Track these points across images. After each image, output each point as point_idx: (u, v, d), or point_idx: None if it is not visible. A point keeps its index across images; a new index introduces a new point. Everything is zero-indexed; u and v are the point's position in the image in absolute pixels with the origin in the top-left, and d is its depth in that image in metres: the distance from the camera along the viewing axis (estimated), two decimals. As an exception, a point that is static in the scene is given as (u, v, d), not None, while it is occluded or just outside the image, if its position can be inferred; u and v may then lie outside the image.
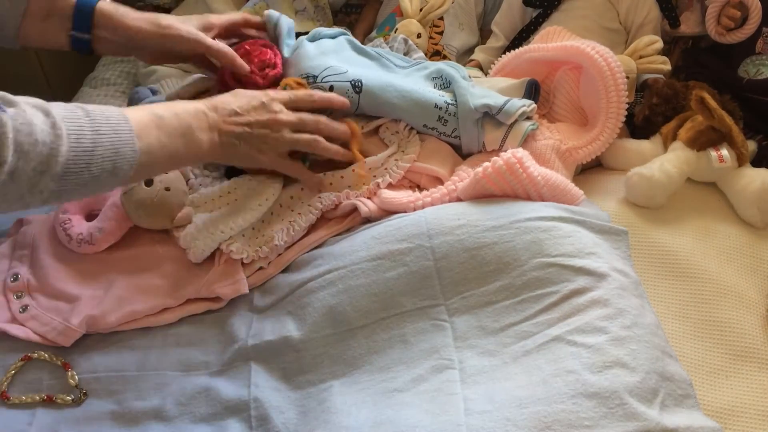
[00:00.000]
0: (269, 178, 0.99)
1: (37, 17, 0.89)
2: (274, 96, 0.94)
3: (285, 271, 0.95)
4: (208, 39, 0.99)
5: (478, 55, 1.33)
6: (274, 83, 1.04)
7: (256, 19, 1.10)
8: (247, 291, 0.92)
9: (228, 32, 1.06)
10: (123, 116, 0.76)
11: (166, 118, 0.81)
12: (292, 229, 0.96)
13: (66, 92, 1.49)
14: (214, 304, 0.92)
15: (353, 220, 0.98)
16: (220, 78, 1.06)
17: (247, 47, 1.07)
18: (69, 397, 0.85)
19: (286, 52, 1.10)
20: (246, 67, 1.01)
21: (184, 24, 0.98)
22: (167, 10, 1.50)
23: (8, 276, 0.94)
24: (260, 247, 0.94)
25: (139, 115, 0.79)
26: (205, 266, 0.95)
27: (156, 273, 0.95)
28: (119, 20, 0.93)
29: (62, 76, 1.68)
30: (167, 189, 0.95)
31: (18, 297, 0.92)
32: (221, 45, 1.00)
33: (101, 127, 0.73)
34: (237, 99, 0.91)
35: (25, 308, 0.91)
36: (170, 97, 1.15)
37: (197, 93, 1.17)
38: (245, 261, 0.93)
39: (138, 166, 0.77)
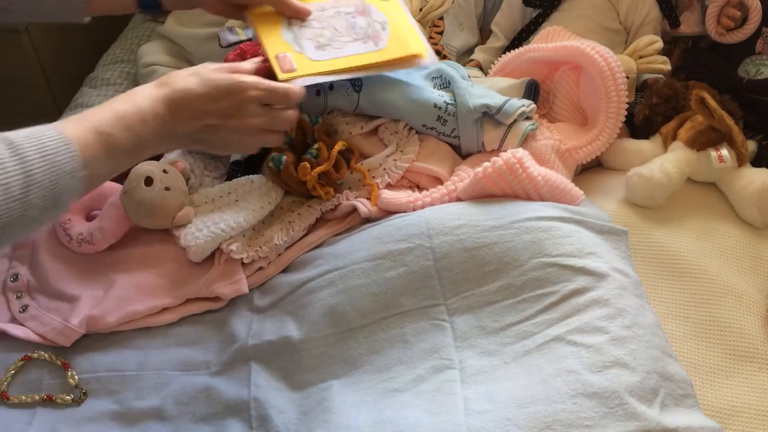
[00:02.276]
0: (272, 182, 0.99)
1: None
2: (248, 96, 0.86)
3: (285, 271, 0.95)
4: None
5: (478, 55, 1.33)
6: (265, 75, 1.06)
7: None
8: (247, 291, 0.92)
9: None
10: (63, 140, 0.68)
11: (116, 135, 0.73)
12: (292, 229, 0.96)
13: (66, 92, 1.49)
14: (214, 304, 0.92)
15: (353, 220, 0.98)
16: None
17: (242, 47, 1.09)
18: (69, 397, 0.85)
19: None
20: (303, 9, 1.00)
21: None
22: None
23: (8, 276, 0.94)
24: (260, 247, 0.94)
25: (83, 135, 0.71)
26: (205, 266, 0.95)
27: (156, 273, 0.94)
28: None
29: (62, 76, 1.69)
30: (167, 189, 0.95)
31: (18, 297, 0.92)
32: None
33: (33, 164, 0.64)
34: (205, 95, 0.83)
35: (25, 308, 0.91)
36: None
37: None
38: (245, 261, 0.93)
39: (82, 192, 0.71)
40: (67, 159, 0.68)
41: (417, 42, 1.03)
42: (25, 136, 0.66)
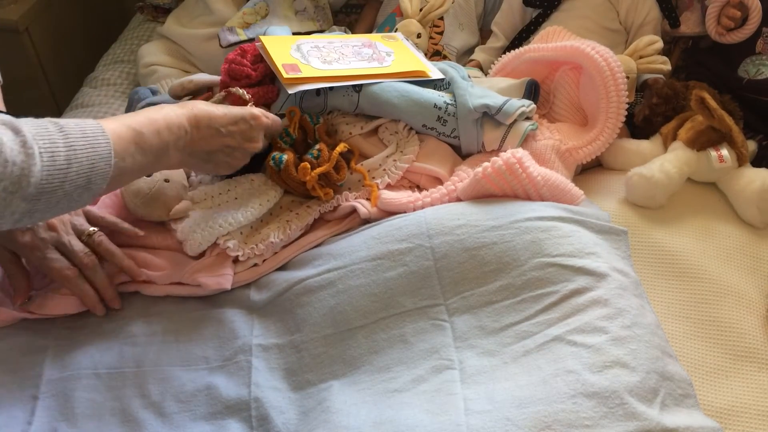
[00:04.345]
0: (271, 180, 0.99)
1: None
2: (259, 123, 0.93)
3: (283, 268, 0.95)
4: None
5: (478, 55, 1.33)
6: (265, 74, 1.08)
7: None
8: (229, 287, 0.92)
9: None
10: (100, 129, 0.73)
11: (146, 135, 0.78)
12: (289, 228, 0.96)
13: (66, 92, 1.49)
14: (198, 289, 0.92)
15: (352, 221, 0.98)
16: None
17: (243, 47, 1.09)
18: None
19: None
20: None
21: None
22: (167, 11, 1.50)
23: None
24: (256, 245, 0.94)
25: (117, 128, 0.75)
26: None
27: (152, 262, 0.95)
28: None
29: (63, 76, 1.69)
30: (166, 180, 0.96)
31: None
32: None
33: (76, 142, 0.70)
34: (224, 117, 0.89)
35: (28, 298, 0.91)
36: (174, 90, 1.15)
37: (199, 89, 1.17)
38: (241, 258, 0.93)
39: (109, 181, 0.74)
40: (103, 143, 0.73)
41: (420, 64, 1.08)
42: (67, 120, 0.72)
